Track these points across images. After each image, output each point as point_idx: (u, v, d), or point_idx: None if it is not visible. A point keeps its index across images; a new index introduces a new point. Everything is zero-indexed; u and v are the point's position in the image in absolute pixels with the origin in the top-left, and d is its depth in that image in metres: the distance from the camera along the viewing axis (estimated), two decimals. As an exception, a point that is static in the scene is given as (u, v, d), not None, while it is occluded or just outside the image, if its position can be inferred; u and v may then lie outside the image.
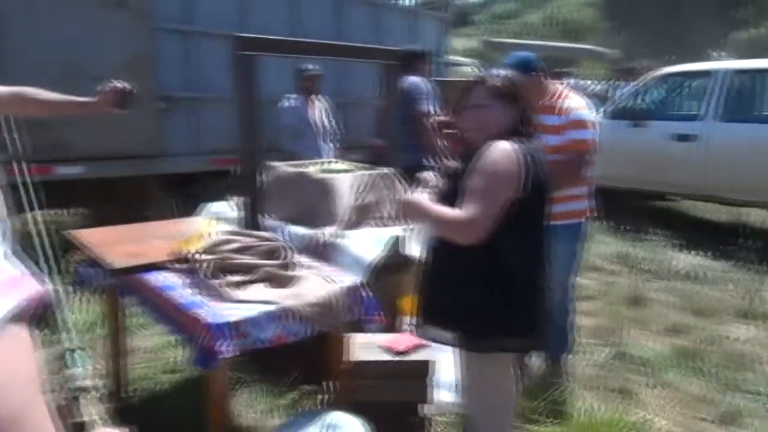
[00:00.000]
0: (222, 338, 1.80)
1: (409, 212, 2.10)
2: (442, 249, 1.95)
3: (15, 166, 4.11)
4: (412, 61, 4.71)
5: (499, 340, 1.88)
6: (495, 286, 1.85)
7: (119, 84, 2.28)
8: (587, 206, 2.94)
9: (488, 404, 2.02)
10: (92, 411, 1.06)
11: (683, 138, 5.99)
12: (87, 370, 1.29)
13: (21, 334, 0.44)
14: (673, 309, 4.19)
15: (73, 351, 1.32)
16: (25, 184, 4.35)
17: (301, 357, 2.95)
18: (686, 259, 5.15)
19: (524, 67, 2.71)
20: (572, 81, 11.50)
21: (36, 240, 2.61)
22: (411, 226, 3.26)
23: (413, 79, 4.61)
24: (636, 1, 33.35)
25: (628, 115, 6.60)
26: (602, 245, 5.66)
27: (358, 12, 6.51)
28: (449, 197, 1.90)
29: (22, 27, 4.13)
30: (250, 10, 5.45)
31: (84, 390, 1.12)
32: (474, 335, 1.90)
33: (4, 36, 4.06)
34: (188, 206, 4.39)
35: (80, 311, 3.62)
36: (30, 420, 0.42)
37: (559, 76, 11.53)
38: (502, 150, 1.80)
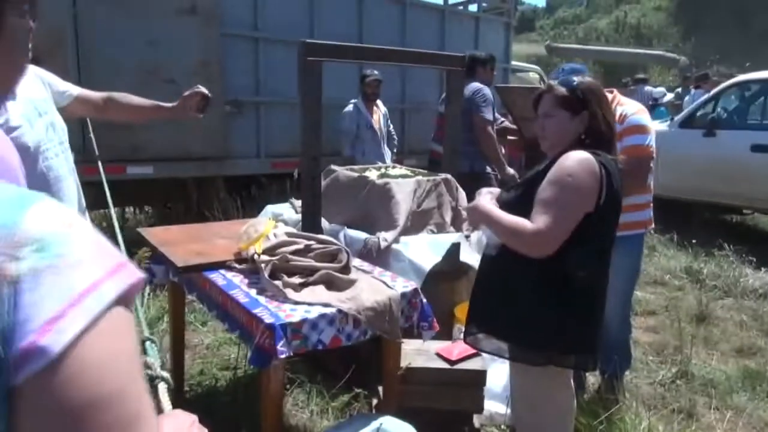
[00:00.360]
0: (280, 339, 1.84)
1: (477, 218, 2.05)
2: (500, 257, 1.91)
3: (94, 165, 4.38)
4: (476, 67, 4.68)
5: (553, 356, 1.84)
6: (553, 300, 1.80)
7: (202, 90, 2.41)
8: (649, 216, 2.84)
9: (540, 418, 1.97)
10: (166, 399, 1.13)
11: (761, 149, 5.69)
12: (159, 360, 1.36)
13: (125, 314, 0.48)
14: (742, 328, 3.98)
15: (146, 341, 1.40)
16: (99, 182, 4.63)
17: (355, 360, 2.98)
18: (759, 277, 4.87)
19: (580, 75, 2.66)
20: (647, 88, 11.08)
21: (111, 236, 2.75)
22: (468, 233, 3.24)
23: (477, 86, 4.55)
24: (707, 6, 32.02)
25: (701, 124, 6.32)
26: (668, 259, 5.44)
27: (424, 18, 6.53)
28: (514, 206, 1.86)
29: (102, 29, 4.37)
30: (317, 17, 5.56)
31: (159, 378, 1.19)
32: (527, 348, 1.86)
33: (86, 38, 4.30)
34: (251, 208, 4.52)
35: (144, 306, 3.78)
36: (134, 393, 0.47)
37: (635, 82, 11.23)
38: (579, 161, 1.73)
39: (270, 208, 3.72)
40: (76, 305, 0.44)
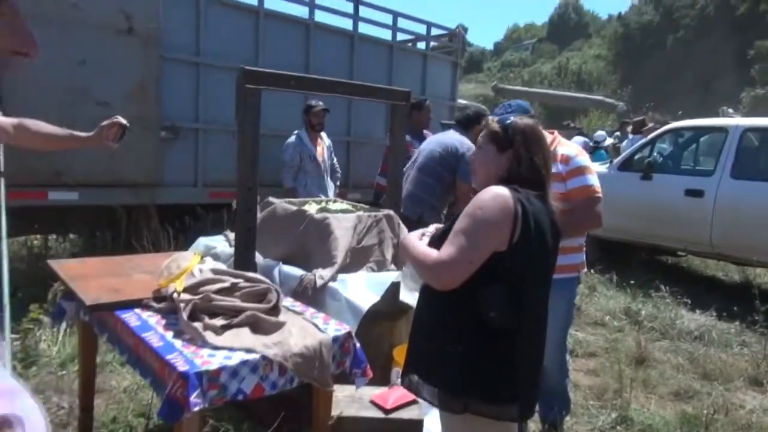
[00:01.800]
0: (194, 389, 1.66)
1: (402, 252, 1.99)
2: (423, 293, 1.83)
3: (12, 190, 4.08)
4: (468, 122, 4.16)
5: (471, 402, 1.68)
6: (468, 341, 1.67)
7: (120, 120, 2.33)
8: (581, 260, 2.82)
9: None
10: None
11: (694, 193, 5.88)
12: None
13: None
14: (679, 371, 4.00)
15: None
16: (18, 208, 4.31)
17: (285, 405, 2.79)
18: (694, 319, 4.97)
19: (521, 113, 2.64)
20: (578, 138, 11.28)
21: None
22: (405, 270, 3.13)
23: (469, 145, 3.99)
24: (644, 57, 33.96)
25: (638, 167, 6.51)
26: (608, 299, 5.49)
27: (372, 52, 6.52)
28: (438, 241, 1.77)
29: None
30: (263, 45, 5.44)
31: None
32: (448, 393, 1.72)
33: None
34: (185, 239, 4.30)
35: (57, 344, 3.48)
36: None
37: (574, 129, 11.54)
38: (493, 196, 1.67)
39: (203, 241, 3.52)
40: None
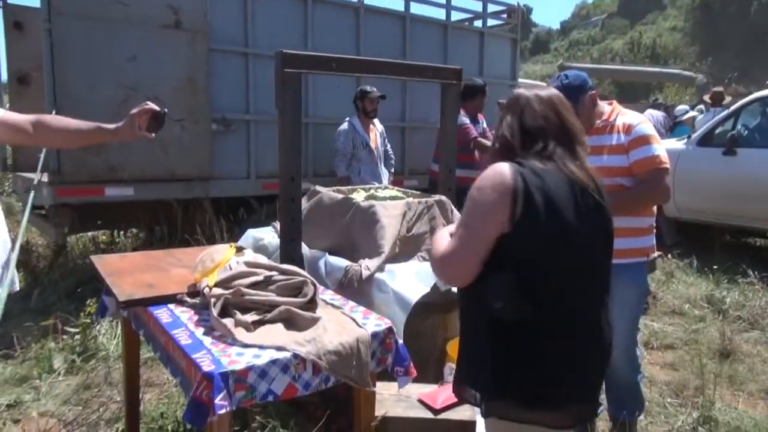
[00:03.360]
0: (220, 390, 1.55)
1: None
2: (460, 291, 1.61)
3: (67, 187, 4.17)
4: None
5: (513, 409, 1.47)
6: (496, 341, 1.47)
7: (152, 105, 2.13)
8: (651, 243, 2.54)
9: None
10: None
11: (784, 168, 5.33)
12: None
13: None
14: (772, 366, 3.61)
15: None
16: (80, 204, 4.42)
17: (333, 402, 2.67)
18: (788, 307, 4.48)
19: (573, 86, 2.40)
20: (657, 114, 10.64)
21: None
22: None
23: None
24: (723, 26, 31.74)
25: (720, 142, 5.98)
26: (688, 286, 5.07)
27: (425, 33, 6.30)
28: None
29: (78, 45, 4.16)
30: (311, 31, 5.34)
31: None
32: (485, 396, 1.51)
33: (61, 54, 4.10)
34: (241, 231, 4.26)
35: (115, 338, 3.52)
36: None
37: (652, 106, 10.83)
38: (489, 172, 1.48)
39: (251, 233, 3.46)
40: None
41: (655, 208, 2.57)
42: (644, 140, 2.40)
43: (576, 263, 1.49)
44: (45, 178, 4.12)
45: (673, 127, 9.36)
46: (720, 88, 10.16)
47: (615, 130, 2.46)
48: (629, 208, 2.39)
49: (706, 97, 9.66)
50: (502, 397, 1.48)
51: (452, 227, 1.71)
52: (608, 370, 2.32)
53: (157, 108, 2.13)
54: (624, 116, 2.50)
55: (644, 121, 2.49)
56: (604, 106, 2.56)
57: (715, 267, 5.19)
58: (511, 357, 1.47)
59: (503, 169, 1.46)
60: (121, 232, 5.70)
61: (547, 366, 1.46)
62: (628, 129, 2.43)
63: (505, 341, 1.46)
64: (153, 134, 2.17)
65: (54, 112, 3.79)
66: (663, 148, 2.44)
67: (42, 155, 3.74)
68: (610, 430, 2.68)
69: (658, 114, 9.95)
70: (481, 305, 1.47)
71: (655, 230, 2.56)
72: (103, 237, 5.77)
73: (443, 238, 1.61)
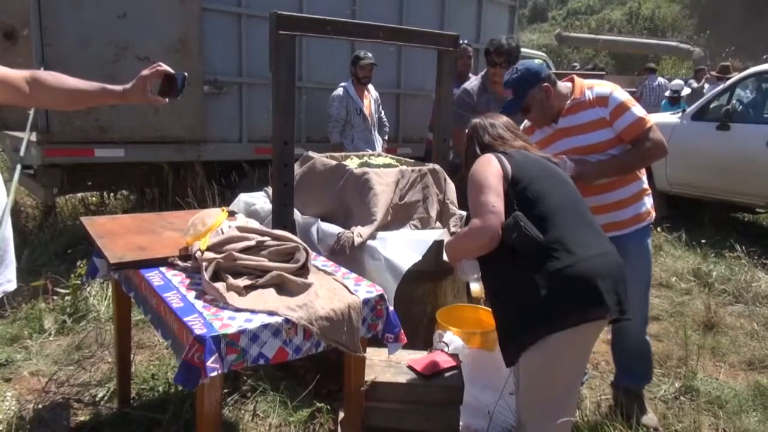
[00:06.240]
0: (212, 353, 1.56)
1: (447, 255, 2.09)
2: (483, 271, 1.96)
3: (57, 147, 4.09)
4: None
5: (553, 322, 1.77)
6: (524, 279, 1.81)
7: (165, 68, 1.94)
8: (646, 207, 2.56)
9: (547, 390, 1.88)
10: None
11: (777, 144, 5.34)
12: None
13: None
14: (753, 338, 3.66)
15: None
16: (69, 164, 4.36)
17: (324, 366, 2.71)
18: (772, 281, 4.55)
19: (521, 80, 2.45)
20: (660, 80, 10.59)
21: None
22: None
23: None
24: (723, -1, 31.34)
25: (714, 116, 5.97)
26: (675, 259, 5.12)
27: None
28: None
29: (67, 2, 4.04)
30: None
31: None
32: (525, 326, 1.81)
33: (50, 11, 3.99)
34: (233, 196, 4.24)
35: (105, 299, 3.52)
36: None
37: (645, 71, 10.74)
38: (477, 162, 1.98)
39: (243, 197, 3.44)
40: None
41: (644, 170, 2.58)
42: (623, 107, 2.40)
43: (554, 186, 1.93)
44: (33, 137, 4.06)
45: (672, 101, 9.11)
46: (727, 63, 10.06)
47: (590, 105, 2.44)
48: (636, 168, 2.48)
49: (713, 72, 9.56)
50: (544, 320, 1.77)
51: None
52: (619, 336, 2.68)
53: (171, 70, 1.95)
54: (592, 89, 2.47)
55: (614, 87, 2.48)
56: (566, 86, 2.53)
57: (703, 241, 5.24)
58: (542, 280, 1.77)
59: (484, 155, 1.99)
60: (112, 194, 5.65)
61: (558, 275, 1.77)
62: (603, 101, 2.42)
63: (537, 267, 1.79)
64: (167, 99, 2.00)
65: (43, 69, 3.71)
66: (639, 106, 2.45)
67: (31, 113, 3.67)
68: (615, 397, 2.74)
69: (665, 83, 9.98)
70: (506, 263, 1.83)
71: (647, 194, 2.57)
72: (93, 199, 5.72)
73: (457, 233, 2.05)
